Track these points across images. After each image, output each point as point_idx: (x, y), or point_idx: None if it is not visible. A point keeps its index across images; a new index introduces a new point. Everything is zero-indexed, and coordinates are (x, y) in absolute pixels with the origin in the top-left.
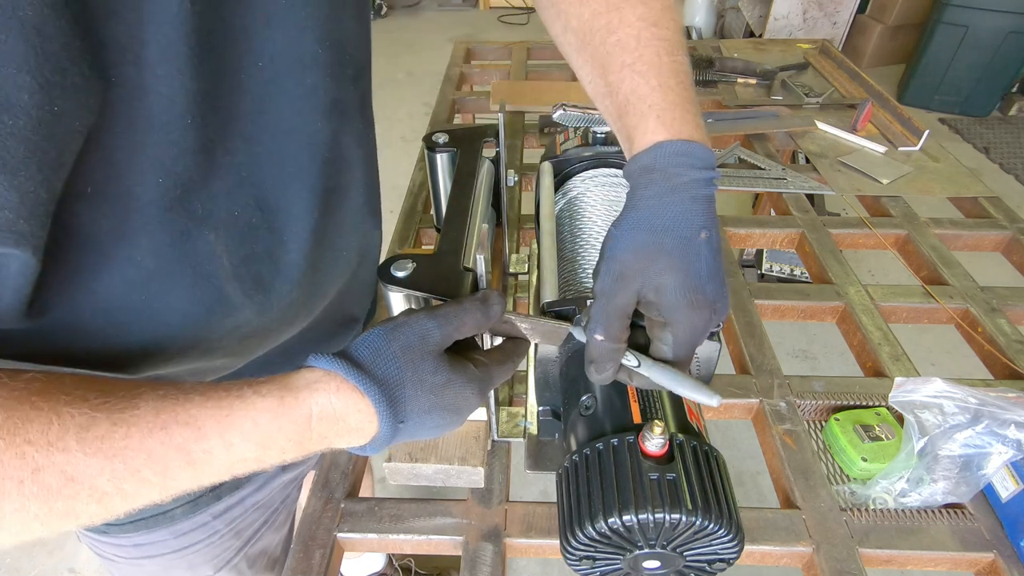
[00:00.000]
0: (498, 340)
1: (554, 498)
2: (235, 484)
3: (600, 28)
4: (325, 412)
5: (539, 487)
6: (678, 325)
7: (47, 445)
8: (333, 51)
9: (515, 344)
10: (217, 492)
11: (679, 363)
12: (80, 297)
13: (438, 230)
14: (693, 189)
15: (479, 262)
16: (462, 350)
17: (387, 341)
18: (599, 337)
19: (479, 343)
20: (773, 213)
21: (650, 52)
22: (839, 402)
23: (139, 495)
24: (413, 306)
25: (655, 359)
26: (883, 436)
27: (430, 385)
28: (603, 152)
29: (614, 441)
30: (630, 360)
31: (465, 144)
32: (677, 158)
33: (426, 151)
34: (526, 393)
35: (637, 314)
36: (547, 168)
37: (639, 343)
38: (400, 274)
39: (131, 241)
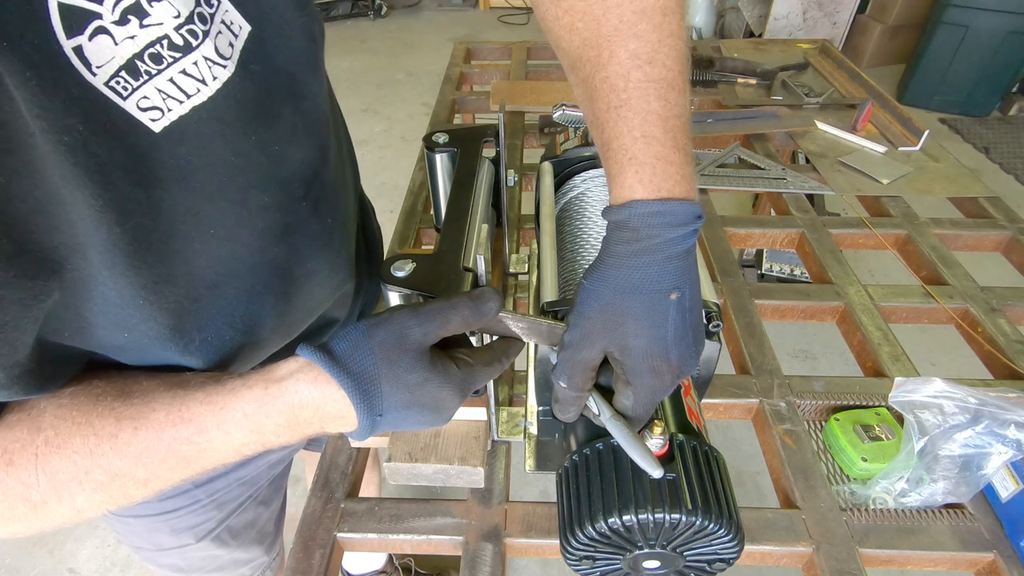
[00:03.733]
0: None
1: (554, 498)
2: None
3: (590, 60)
4: (304, 400)
5: (539, 487)
6: (639, 388)
7: (88, 453)
8: (281, 189)
9: (506, 344)
10: None
11: (636, 420)
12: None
13: (438, 230)
14: (667, 249)
15: (479, 262)
16: (449, 347)
17: (366, 336)
18: (563, 384)
19: (474, 340)
20: (773, 213)
21: (638, 96)
22: (839, 402)
23: (172, 476)
24: None
25: (615, 410)
26: (883, 436)
27: (405, 383)
28: None
29: (614, 441)
30: (592, 406)
31: (465, 144)
32: (651, 218)
33: (426, 151)
34: (526, 393)
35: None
36: (547, 168)
37: (608, 385)
38: (400, 274)
39: (114, 357)
